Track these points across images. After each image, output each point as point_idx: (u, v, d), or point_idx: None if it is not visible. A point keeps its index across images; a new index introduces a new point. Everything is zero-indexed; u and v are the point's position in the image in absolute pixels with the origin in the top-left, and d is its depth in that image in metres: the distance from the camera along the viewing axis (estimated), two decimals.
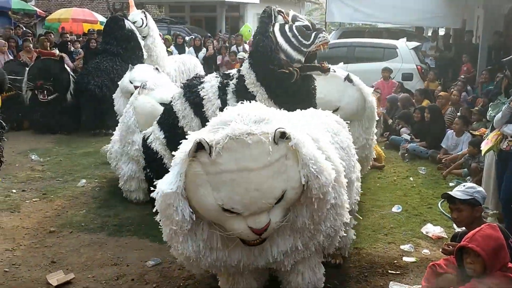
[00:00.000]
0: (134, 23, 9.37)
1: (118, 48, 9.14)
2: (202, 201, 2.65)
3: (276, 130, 2.64)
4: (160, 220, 2.83)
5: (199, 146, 2.58)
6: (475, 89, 10.01)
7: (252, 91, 4.58)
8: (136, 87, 5.99)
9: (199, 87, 4.87)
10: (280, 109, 3.57)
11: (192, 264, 2.92)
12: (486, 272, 2.85)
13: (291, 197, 2.73)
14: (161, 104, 5.38)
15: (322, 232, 3.00)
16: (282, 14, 4.59)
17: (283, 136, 2.64)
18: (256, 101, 3.60)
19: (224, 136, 2.59)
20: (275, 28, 4.51)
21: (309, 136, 2.94)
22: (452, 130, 7.43)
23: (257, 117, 2.73)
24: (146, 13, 9.82)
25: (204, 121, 4.35)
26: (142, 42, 9.30)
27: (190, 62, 9.91)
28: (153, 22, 9.82)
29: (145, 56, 9.25)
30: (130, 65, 7.45)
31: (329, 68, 4.76)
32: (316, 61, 4.74)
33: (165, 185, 2.68)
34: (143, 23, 9.43)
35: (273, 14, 4.56)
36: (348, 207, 3.28)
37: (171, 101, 5.06)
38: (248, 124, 2.66)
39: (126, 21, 9.26)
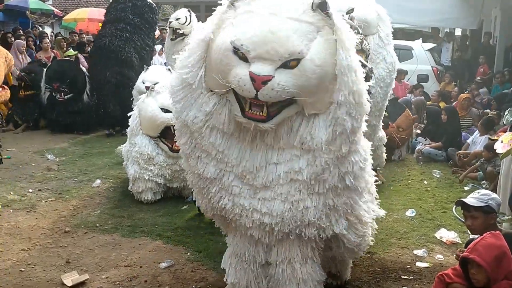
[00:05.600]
0: (177, 19, 8.84)
1: (134, 17, 9.15)
2: (219, 42, 2.63)
3: None
4: None
5: None
6: (491, 90, 9.93)
7: None
8: (147, 88, 6.00)
9: None
10: None
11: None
12: (491, 282, 2.80)
13: (305, 72, 2.51)
14: (162, 109, 5.36)
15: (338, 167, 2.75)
16: None
17: (321, 6, 2.56)
18: None
19: None
20: None
21: None
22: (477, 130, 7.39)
23: None
24: (191, 12, 9.28)
25: None
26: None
27: None
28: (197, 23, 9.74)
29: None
30: (145, 66, 7.46)
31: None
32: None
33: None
34: (186, 20, 8.86)
35: None
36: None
37: None
38: None
39: None
